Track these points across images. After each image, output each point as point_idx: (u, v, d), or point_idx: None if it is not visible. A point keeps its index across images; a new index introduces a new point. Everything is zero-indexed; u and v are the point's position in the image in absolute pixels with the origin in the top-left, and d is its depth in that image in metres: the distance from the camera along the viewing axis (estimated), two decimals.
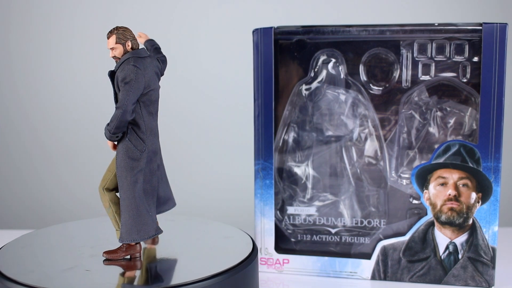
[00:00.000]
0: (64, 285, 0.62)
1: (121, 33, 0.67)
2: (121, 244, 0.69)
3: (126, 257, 0.69)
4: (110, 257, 0.69)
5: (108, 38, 0.67)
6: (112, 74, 0.68)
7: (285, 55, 0.85)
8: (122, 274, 0.66)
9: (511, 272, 0.86)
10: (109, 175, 0.70)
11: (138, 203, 0.68)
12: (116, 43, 0.67)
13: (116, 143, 0.69)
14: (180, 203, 1.16)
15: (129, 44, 0.67)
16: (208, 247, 0.75)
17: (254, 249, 0.73)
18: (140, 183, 0.68)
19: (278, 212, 0.87)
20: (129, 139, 0.67)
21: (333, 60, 0.84)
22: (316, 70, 0.84)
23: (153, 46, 0.72)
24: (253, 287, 0.71)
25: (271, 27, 0.83)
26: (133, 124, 0.67)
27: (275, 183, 0.86)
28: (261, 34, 0.83)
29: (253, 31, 0.83)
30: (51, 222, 1.20)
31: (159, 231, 0.70)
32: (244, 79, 1.08)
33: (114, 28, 0.67)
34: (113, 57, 0.67)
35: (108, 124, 0.66)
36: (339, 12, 1.14)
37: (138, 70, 0.65)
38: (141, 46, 0.71)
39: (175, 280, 0.63)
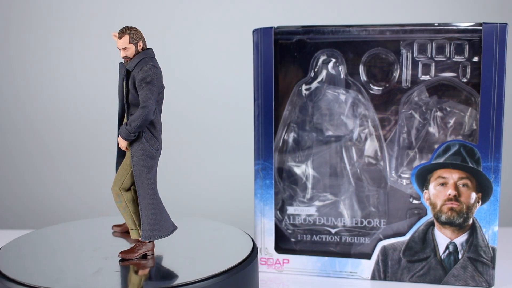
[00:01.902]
0: (69, 286, 0.62)
1: (133, 33, 0.67)
2: (136, 243, 0.70)
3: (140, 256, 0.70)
4: (127, 257, 0.69)
5: (120, 38, 0.67)
6: (126, 73, 0.68)
7: (285, 55, 0.84)
8: (136, 273, 0.66)
9: (511, 272, 0.86)
10: (125, 175, 0.70)
11: (159, 200, 0.69)
12: (129, 43, 0.67)
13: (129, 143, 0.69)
14: (180, 203, 1.16)
15: (140, 44, 0.67)
16: (208, 247, 0.75)
17: (254, 249, 0.73)
18: (156, 181, 0.69)
19: (278, 212, 0.87)
20: (145, 138, 0.67)
21: (333, 60, 0.84)
22: (316, 70, 0.84)
23: None
24: (253, 287, 0.71)
25: (271, 27, 0.83)
26: (149, 124, 0.68)
27: (275, 183, 0.86)
28: (261, 34, 0.83)
29: (253, 31, 0.83)
30: (51, 222, 1.20)
31: (175, 226, 0.70)
32: (244, 79, 1.08)
33: (125, 28, 0.67)
34: (123, 57, 0.67)
35: (126, 124, 0.66)
36: (339, 12, 1.14)
37: (157, 70, 0.66)
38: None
39: (175, 280, 0.63)
